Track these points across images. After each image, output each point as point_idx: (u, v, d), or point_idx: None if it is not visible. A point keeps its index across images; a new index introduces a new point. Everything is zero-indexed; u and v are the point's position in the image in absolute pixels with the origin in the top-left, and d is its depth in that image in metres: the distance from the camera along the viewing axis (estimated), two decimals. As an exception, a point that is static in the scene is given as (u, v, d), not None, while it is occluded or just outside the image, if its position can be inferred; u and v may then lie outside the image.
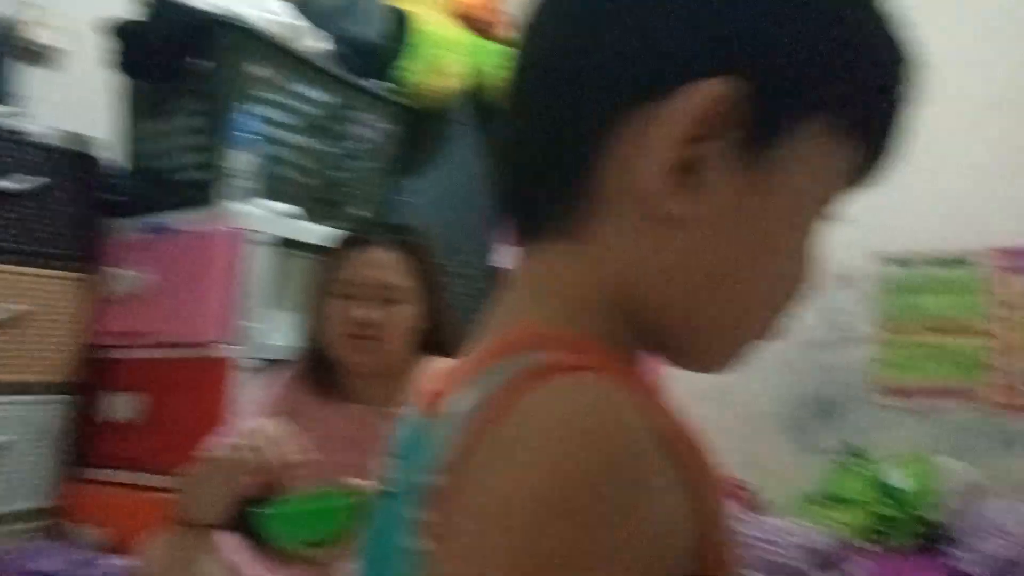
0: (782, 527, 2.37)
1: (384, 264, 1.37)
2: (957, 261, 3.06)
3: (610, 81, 0.41)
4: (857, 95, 0.43)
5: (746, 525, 2.38)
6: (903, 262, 3.09)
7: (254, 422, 1.17)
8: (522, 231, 0.45)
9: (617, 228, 0.42)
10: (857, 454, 2.98)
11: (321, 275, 1.44)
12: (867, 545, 2.61)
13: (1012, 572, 2.34)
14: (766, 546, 2.34)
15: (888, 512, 2.71)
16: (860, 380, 3.13)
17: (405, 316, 1.39)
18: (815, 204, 0.44)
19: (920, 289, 3.10)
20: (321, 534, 1.02)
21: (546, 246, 0.44)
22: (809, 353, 3.13)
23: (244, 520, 1.06)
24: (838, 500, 2.83)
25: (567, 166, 0.42)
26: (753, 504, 2.83)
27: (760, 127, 0.41)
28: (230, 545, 1.15)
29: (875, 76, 0.44)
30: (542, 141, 0.43)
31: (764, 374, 3.09)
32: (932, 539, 2.63)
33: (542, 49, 0.44)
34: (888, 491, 2.73)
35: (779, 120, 0.41)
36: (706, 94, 0.39)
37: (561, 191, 0.42)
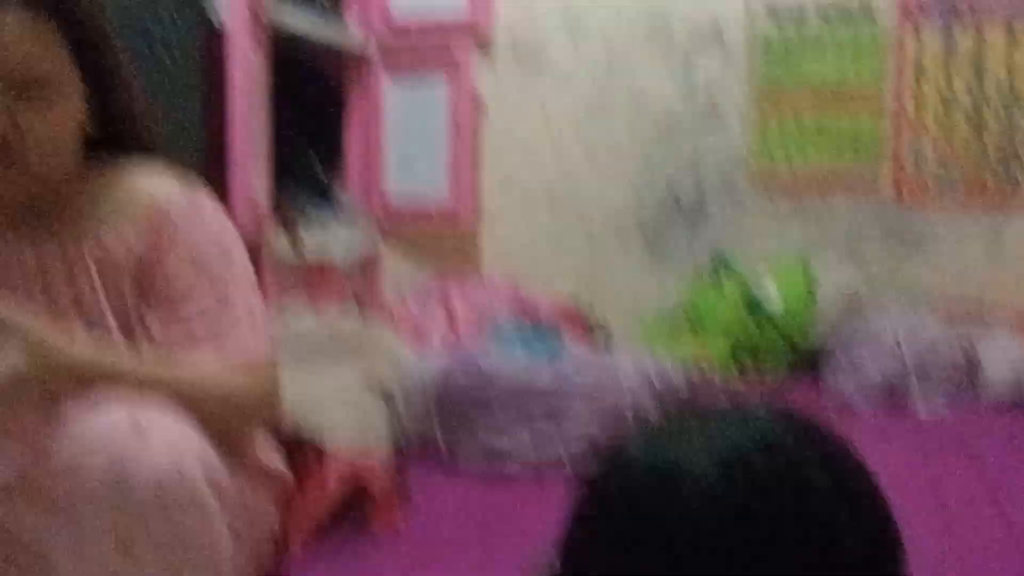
0: (625, 365, 1.95)
1: (11, 38, 1.04)
2: (861, 11, 2.50)
3: None
4: None
5: (581, 368, 1.92)
6: (789, 16, 2.52)
7: None
8: None
9: None
10: (723, 264, 2.53)
11: None
12: (730, 379, 2.26)
13: (894, 397, 2.05)
14: (603, 392, 1.90)
15: (755, 340, 2.34)
16: (728, 171, 2.64)
17: (57, 118, 1.05)
18: None
19: (805, 50, 2.57)
20: None
21: None
22: (667, 140, 2.60)
23: None
24: (697, 325, 2.44)
25: None
26: (592, 337, 2.36)
27: None
28: None
29: None
30: None
31: (610, 168, 2.60)
32: (806, 365, 2.32)
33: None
34: (756, 312, 2.33)
35: None
36: None
37: None
